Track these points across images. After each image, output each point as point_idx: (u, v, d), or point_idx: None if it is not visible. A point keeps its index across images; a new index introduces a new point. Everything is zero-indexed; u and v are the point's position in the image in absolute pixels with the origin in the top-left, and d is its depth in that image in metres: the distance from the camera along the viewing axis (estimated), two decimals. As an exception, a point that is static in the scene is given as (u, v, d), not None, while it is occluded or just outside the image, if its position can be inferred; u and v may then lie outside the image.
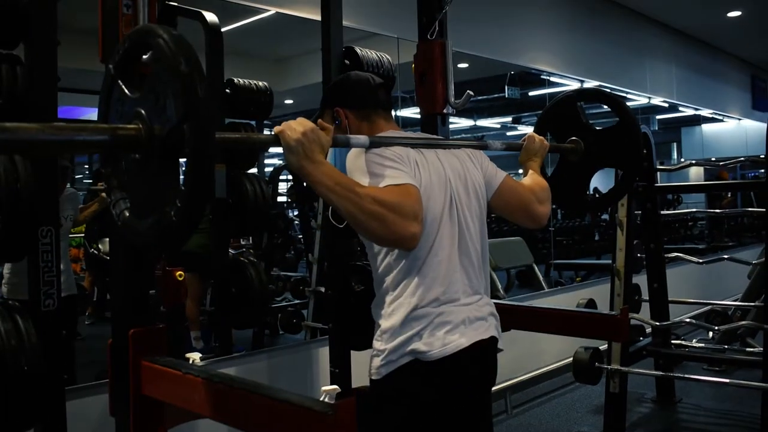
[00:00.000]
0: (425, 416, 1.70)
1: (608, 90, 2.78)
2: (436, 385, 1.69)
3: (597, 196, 3.49)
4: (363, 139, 1.66)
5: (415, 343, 1.67)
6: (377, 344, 1.74)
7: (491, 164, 1.98)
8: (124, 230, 1.36)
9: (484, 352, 1.78)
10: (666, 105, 8.95)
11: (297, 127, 1.48)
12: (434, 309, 1.69)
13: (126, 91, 1.31)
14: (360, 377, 2.72)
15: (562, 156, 2.47)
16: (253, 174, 3.38)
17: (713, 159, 9.12)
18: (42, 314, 2.02)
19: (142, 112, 1.23)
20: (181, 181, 1.22)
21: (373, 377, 1.75)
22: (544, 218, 2.02)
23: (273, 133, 1.49)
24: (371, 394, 1.74)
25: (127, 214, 1.35)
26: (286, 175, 8.74)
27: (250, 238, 5.75)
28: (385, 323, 1.73)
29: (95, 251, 6.20)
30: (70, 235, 5.09)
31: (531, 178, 2.10)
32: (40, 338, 1.91)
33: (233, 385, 1.48)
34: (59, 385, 2.06)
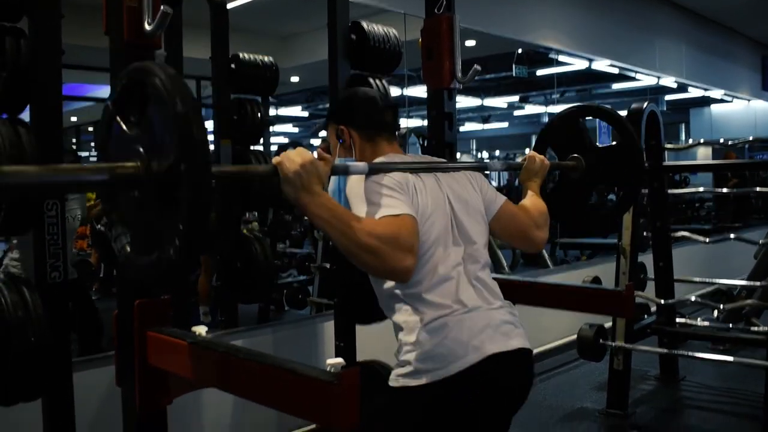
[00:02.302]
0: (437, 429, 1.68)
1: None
2: (453, 401, 1.65)
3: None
4: (362, 166, 1.67)
5: (436, 357, 1.63)
6: (399, 356, 1.70)
7: (491, 188, 1.99)
8: (126, 266, 1.36)
9: (509, 364, 1.72)
10: (675, 86, 8.88)
11: (296, 158, 1.47)
12: (451, 319, 1.66)
13: (124, 127, 1.31)
14: (365, 351, 2.74)
15: (563, 173, 2.48)
16: (258, 150, 3.39)
17: (721, 140, 9.07)
18: (48, 287, 2.03)
19: (141, 149, 1.24)
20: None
21: (391, 383, 1.70)
22: (542, 243, 2.05)
23: (272, 163, 1.50)
24: (387, 398, 1.73)
25: (129, 249, 1.35)
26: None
27: (256, 213, 5.77)
28: (403, 337, 1.70)
29: (102, 228, 6.23)
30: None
31: (530, 201, 2.10)
32: (47, 311, 1.93)
33: (238, 355, 1.49)
34: (66, 357, 2.08)
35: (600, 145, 2.46)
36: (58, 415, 2.10)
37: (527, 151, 2.25)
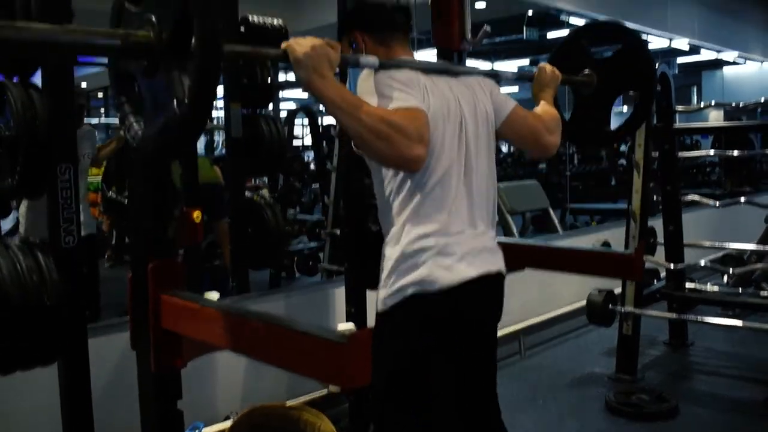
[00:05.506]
0: (430, 348, 1.73)
1: (605, 21, 2.85)
2: (441, 317, 1.71)
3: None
4: (373, 60, 1.67)
5: (420, 273, 1.68)
6: (383, 274, 1.75)
7: (501, 93, 1.97)
8: (139, 146, 1.38)
9: (491, 284, 1.79)
10: (687, 48, 8.77)
11: (305, 42, 1.48)
12: (439, 239, 1.70)
13: (133, 8, 1.33)
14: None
15: (577, 92, 2.47)
16: (268, 114, 3.37)
17: (733, 104, 8.94)
18: (62, 251, 2.05)
19: (151, 17, 1.24)
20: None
21: (379, 309, 1.76)
22: (553, 148, 2.03)
23: (281, 47, 1.49)
24: (377, 326, 1.76)
25: (140, 133, 1.36)
26: (302, 117, 8.72)
27: (266, 179, 5.78)
28: (390, 251, 1.73)
29: (113, 194, 6.26)
30: (89, 179, 5.13)
31: (541, 108, 2.09)
32: (61, 275, 1.95)
33: (250, 317, 1.51)
34: (81, 320, 2.10)
35: (605, 58, 2.49)
36: (75, 378, 2.13)
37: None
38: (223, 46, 1.23)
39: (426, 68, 1.77)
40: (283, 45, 1.49)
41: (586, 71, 2.42)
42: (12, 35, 1.09)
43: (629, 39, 2.43)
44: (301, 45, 1.47)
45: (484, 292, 1.77)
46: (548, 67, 2.18)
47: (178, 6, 1.18)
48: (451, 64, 1.94)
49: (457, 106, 1.78)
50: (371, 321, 2.69)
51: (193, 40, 1.16)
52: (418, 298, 1.68)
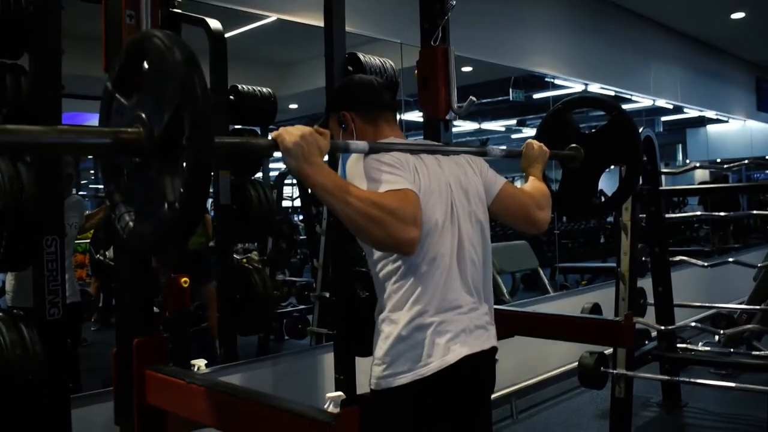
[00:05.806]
0: (426, 428, 1.71)
1: (608, 92, 2.88)
2: (436, 397, 1.69)
3: (603, 199, 3.50)
4: (362, 144, 1.68)
5: (416, 356, 1.67)
6: (378, 352, 1.73)
7: (490, 170, 1.98)
8: (129, 240, 1.36)
9: (485, 361, 1.78)
10: (671, 107, 8.93)
11: (294, 131, 1.49)
12: (435, 318, 1.69)
13: (123, 101, 1.33)
14: (365, 384, 2.72)
15: (564, 165, 2.50)
16: (257, 180, 3.39)
17: (718, 161, 9.04)
18: (47, 323, 2.02)
19: (142, 115, 1.25)
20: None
21: (372, 387, 1.74)
22: (544, 224, 2.03)
23: (271, 138, 1.50)
24: (372, 404, 1.74)
25: (131, 225, 1.35)
26: (291, 179, 8.76)
27: (255, 242, 5.75)
28: (386, 329, 1.72)
29: (101, 257, 6.23)
30: (77, 241, 5.12)
31: (531, 184, 2.10)
32: (45, 347, 1.92)
33: (236, 394, 1.49)
34: (64, 394, 2.06)
35: (592, 132, 2.52)
36: (57, 453, 2.09)
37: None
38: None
39: (415, 150, 1.78)
40: (273, 135, 1.50)
41: (573, 145, 2.45)
42: (6, 139, 1.11)
43: (615, 114, 2.46)
44: (290, 134, 1.47)
45: (479, 368, 1.77)
46: (536, 143, 2.20)
47: (172, 106, 1.19)
48: (440, 144, 1.95)
49: (448, 184, 1.79)
50: (360, 389, 2.67)
51: (184, 140, 1.16)
52: (417, 381, 1.66)
